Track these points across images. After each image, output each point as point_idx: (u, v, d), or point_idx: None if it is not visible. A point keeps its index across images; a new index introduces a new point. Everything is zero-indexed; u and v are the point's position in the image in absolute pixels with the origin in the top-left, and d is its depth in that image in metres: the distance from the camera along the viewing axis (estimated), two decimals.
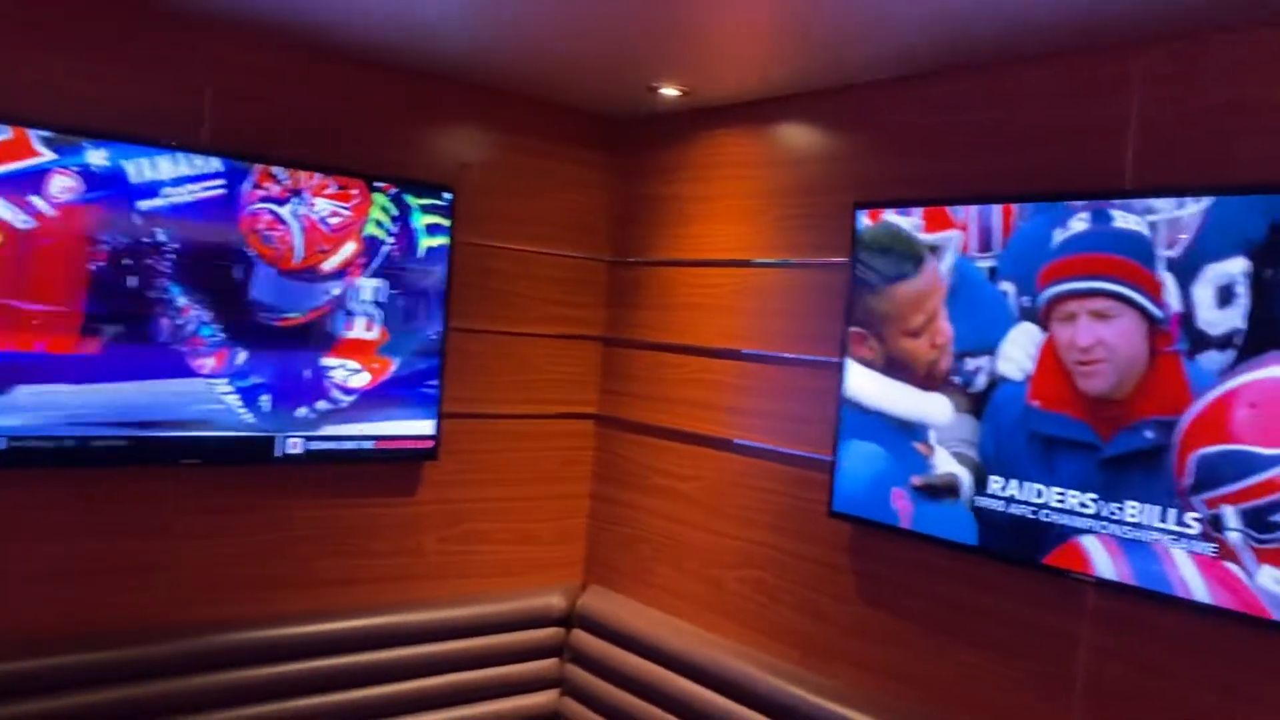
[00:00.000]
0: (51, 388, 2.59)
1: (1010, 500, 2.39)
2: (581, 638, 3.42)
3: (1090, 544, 2.23)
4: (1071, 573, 2.26)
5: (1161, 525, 2.11)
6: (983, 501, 2.44)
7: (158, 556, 2.83)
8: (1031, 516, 2.34)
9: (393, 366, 3.15)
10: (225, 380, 2.86)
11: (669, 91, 3.14)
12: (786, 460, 3.04)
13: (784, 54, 2.73)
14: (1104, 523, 2.20)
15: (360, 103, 3.10)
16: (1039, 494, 2.33)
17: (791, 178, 3.10)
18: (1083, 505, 2.24)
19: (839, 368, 2.79)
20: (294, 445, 2.98)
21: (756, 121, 3.21)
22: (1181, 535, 2.08)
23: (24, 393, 2.55)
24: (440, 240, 3.21)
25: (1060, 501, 2.29)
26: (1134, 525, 2.15)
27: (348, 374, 3.08)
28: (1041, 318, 2.33)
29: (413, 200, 3.15)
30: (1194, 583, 2.07)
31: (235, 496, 2.95)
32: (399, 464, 3.22)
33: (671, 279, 3.47)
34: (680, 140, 3.47)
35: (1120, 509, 2.18)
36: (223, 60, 2.84)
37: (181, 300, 2.77)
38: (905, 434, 2.61)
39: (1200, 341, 2.06)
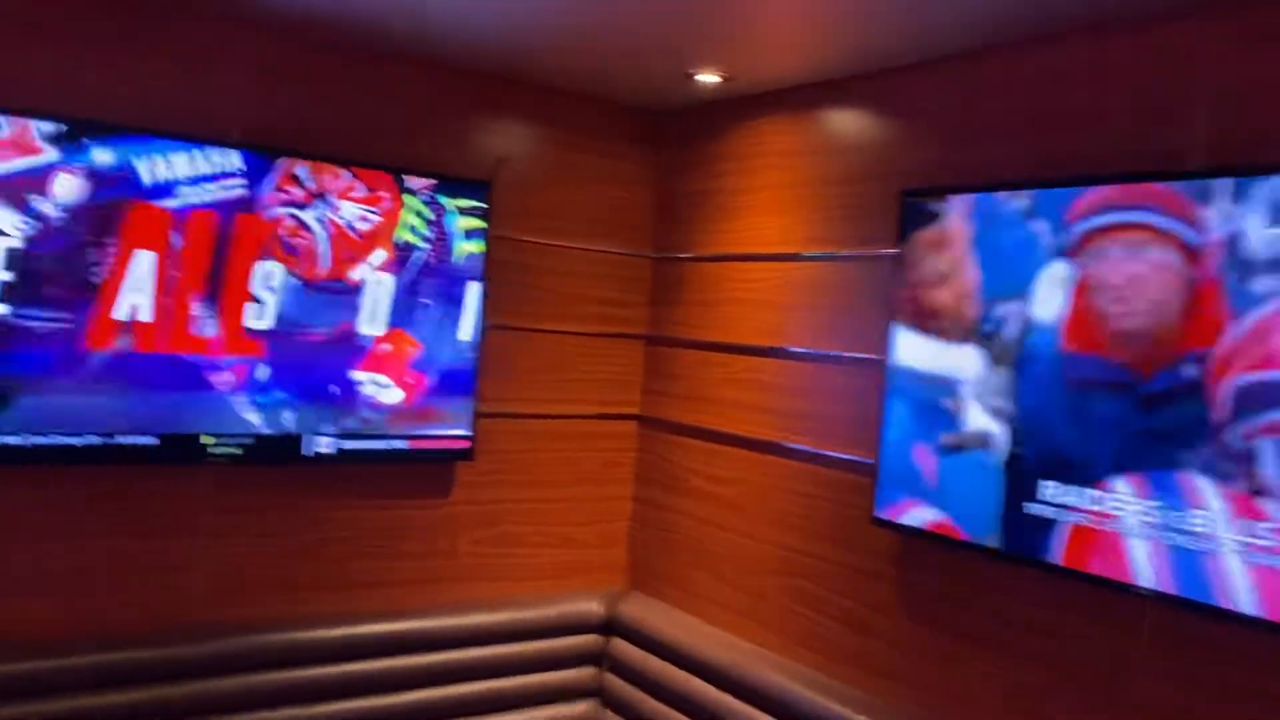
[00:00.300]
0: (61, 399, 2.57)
1: (1048, 503, 2.21)
2: (621, 646, 3.31)
3: (1136, 548, 2.05)
4: (1125, 585, 2.08)
5: (1209, 509, 1.93)
6: (1019, 503, 2.27)
7: (186, 556, 2.81)
8: (1069, 517, 2.18)
9: (427, 382, 3.08)
10: (245, 397, 2.82)
11: (708, 78, 3.02)
12: (830, 463, 2.89)
13: (828, 35, 2.59)
14: (1155, 529, 2.01)
15: (394, 99, 3.06)
16: (1078, 493, 2.16)
17: (836, 166, 2.94)
18: (1130, 504, 2.05)
19: (883, 366, 2.63)
20: (323, 445, 2.95)
21: (799, 108, 3.06)
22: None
23: (33, 401, 2.53)
24: (478, 246, 3.13)
25: (1102, 501, 2.10)
26: (1181, 525, 1.96)
27: (379, 389, 3.02)
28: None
29: (449, 202, 3.07)
30: (1242, 585, 1.90)
31: (264, 496, 2.92)
32: (433, 464, 3.16)
33: (715, 274, 3.34)
34: (721, 131, 3.34)
35: (1167, 508, 1.99)
36: (253, 55, 2.82)
37: (197, 311, 2.74)
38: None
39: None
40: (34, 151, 2.48)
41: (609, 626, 3.37)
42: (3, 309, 2.47)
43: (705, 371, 3.35)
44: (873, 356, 2.73)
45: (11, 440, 2.51)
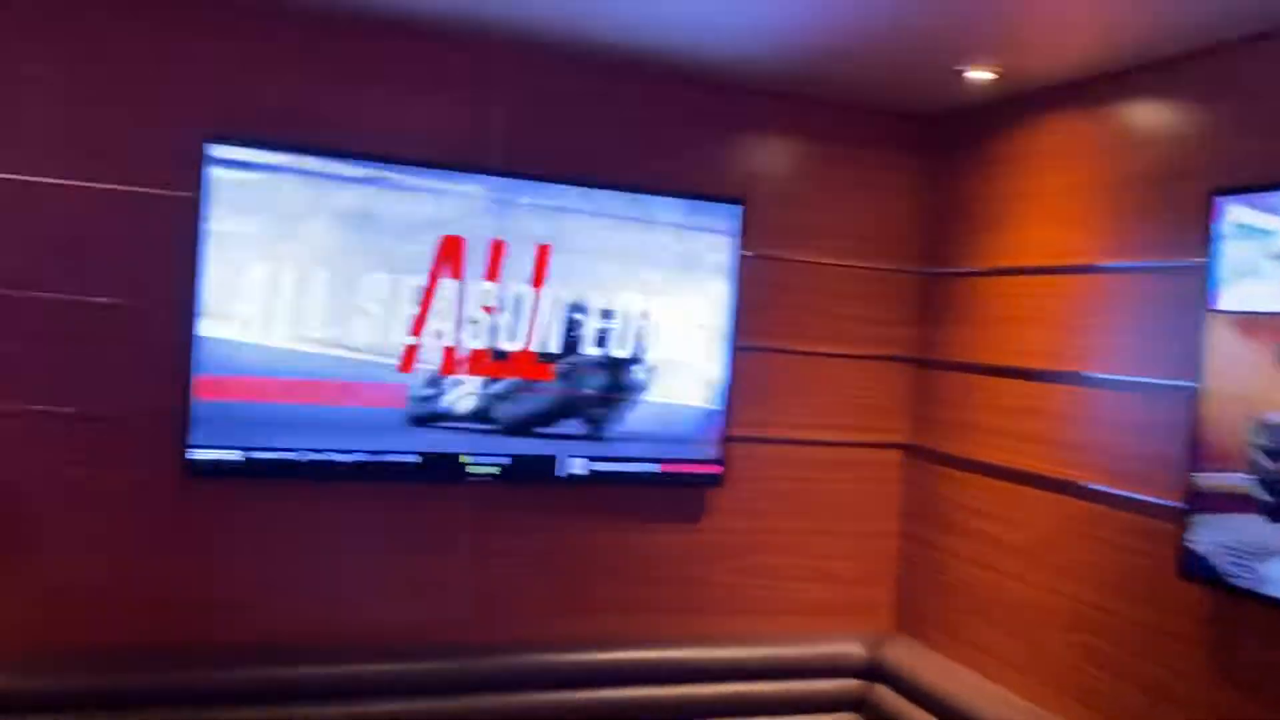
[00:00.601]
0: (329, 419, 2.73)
1: None
2: (883, 693, 3.05)
3: None
4: None
5: None
6: None
7: (444, 573, 2.89)
8: None
9: (681, 416, 3.01)
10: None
11: (980, 75, 2.75)
12: (1127, 505, 2.52)
13: (1122, 18, 2.28)
14: None
15: (645, 120, 3.03)
16: None
17: (1132, 165, 2.59)
18: None
19: (1191, 394, 2.26)
20: (577, 466, 2.94)
21: (1086, 102, 2.73)
22: None
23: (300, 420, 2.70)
24: (727, 280, 3.03)
25: None
26: None
27: (628, 431, 2.99)
28: None
29: (699, 235, 2.99)
30: None
31: (518, 516, 2.95)
32: (684, 488, 3.08)
33: (991, 290, 3.04)
34: (995, 132, 3.05)
35: None
36: (507, 82, 2.89)
37: (446, 340, 2.81)
38: None
39: None
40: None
41: (872, 671, 3.12)
42: (284, 339, 2.67)
43: (980, 398, 3.05)
44: (1179, 382, 2.35)
45: (287, 455, 2.69)
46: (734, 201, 3.03)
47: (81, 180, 2.54)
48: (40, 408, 2.54)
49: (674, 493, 3.08)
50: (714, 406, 3.04)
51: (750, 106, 3.12)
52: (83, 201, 2.54)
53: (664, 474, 3.01)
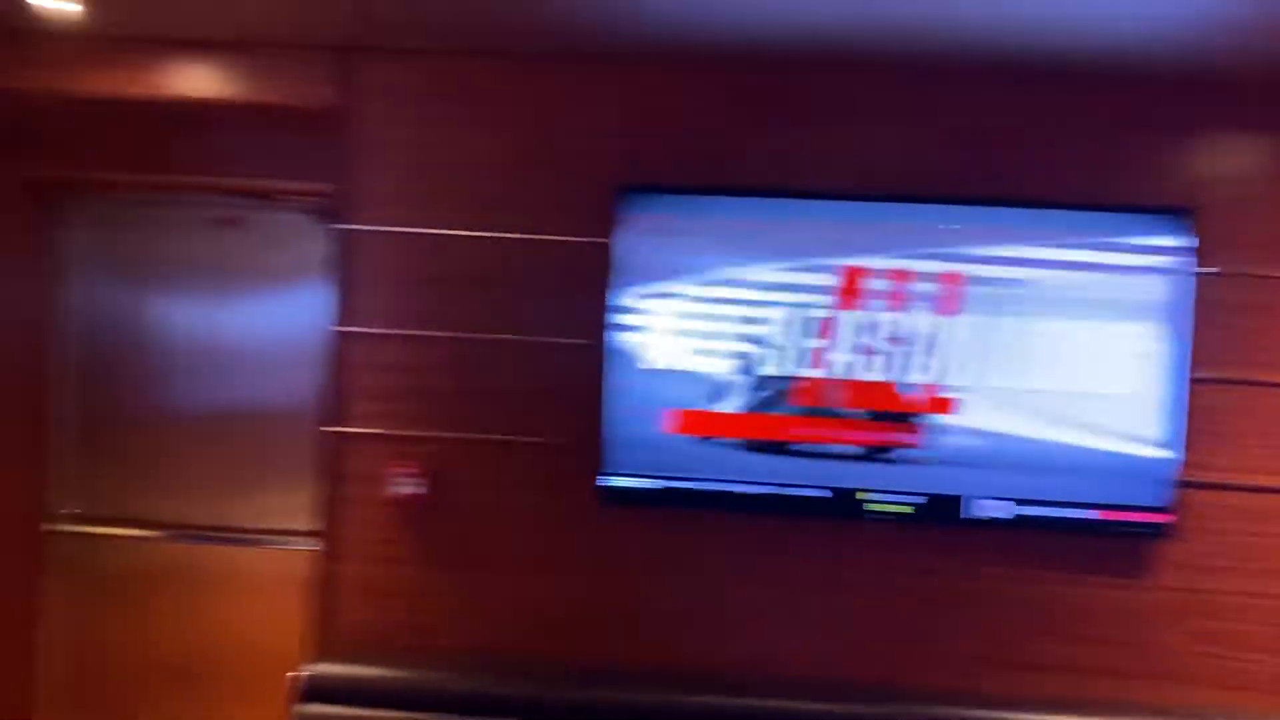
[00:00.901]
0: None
1: None
2: None
3: None
4: None
5: None
6: None
7: (846, 611, 2.81)
8: None
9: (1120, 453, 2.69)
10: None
11: None
12: None
13: None
14: None
15: (1067, 128, 2.75)
16: None
17: None
18: None
19: None
20: (996, 508, 2.70)
21: None
22: None
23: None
24: (1168, 292, 2.67)
25: None
26: None
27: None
28: None
29: (1141, 246, 2.67)
30: None
31: (925, 558, 2.79)
32: (1124, 539, 2.72)
33: None
34: None
35: None
36: (910, 106, 2.78)
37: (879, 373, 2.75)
38: None
39: None
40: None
41: None
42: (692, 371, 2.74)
43: None
44: None
45: (695, 485, 2.75)
46: (1181, 212, 2.65)
47: (514, 233, 2.83)
48: (488, 436, 2.84)
49: (1109, 543, 2.73)
50: (1160, 447, 2.66)
51: (1193, 102, 2.72)
52: (514, 251, 2.83)
53: (1102, 522, 2.68)
